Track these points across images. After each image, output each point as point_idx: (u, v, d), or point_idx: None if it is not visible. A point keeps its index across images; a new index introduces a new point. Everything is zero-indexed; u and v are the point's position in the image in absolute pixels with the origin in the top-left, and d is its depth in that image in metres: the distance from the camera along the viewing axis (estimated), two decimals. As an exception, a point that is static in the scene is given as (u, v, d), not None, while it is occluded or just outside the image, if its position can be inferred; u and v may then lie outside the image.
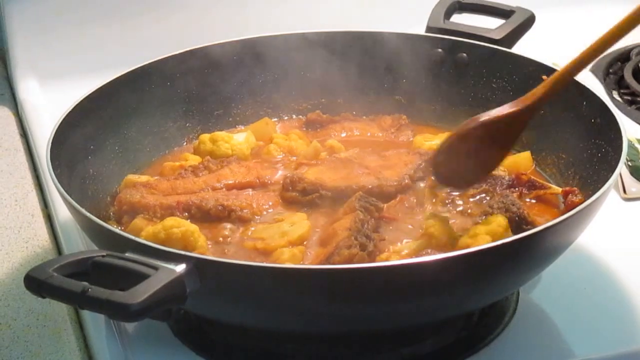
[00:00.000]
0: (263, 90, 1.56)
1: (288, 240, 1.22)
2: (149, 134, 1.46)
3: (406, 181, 1.33)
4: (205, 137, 1.45)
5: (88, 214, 1.09)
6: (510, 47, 1.50)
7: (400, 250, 1.20)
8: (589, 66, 1.86)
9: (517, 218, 1.22)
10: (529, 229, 1.10)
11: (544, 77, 1.22)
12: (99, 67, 1.56)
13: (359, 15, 1.94)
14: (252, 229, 1.26)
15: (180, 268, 0.97)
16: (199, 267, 0.98)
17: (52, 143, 1.23)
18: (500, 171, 1.36)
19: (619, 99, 1.75)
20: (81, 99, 1.34)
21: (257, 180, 1.36)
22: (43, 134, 1.52)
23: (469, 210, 1.29)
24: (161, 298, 0.94)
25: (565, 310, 1.24)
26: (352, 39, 1.55)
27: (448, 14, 1.56)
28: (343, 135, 1.52)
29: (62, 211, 1.39)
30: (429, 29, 1.54)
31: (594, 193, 1.11)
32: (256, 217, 1.28)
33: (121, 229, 1.25)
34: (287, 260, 1.19)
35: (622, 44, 1.95)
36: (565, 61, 1.22)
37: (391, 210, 1.29)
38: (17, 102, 1.81)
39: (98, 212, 1.27)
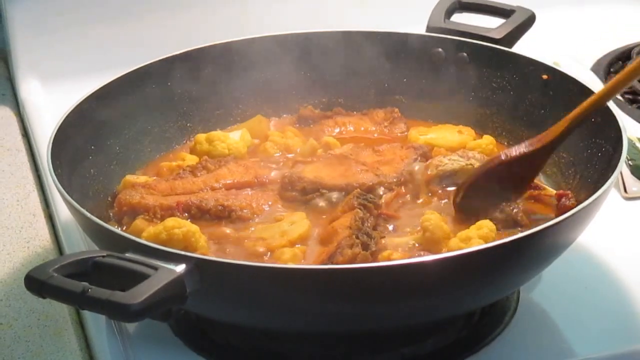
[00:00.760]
0: (264, 90, 1.55)
1: (288, 240, 1.22)
2: (149, 134, 1.46)
3: (405, 177, 1.34)
4: (201, 137, 1.44)
5: (88, 214, 1.09)
6: (510, 47, 1.49)
7: (397, 245, 1.20)
8: (589, 66, 1.87)
9: (511, 219, 1.23)
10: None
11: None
12: (100, 68, 1.56)
13: (359, 15, 1.94)
14: (252, 229, 1.26)
15: (181, 268, 0.98)
16: (199, 267, 0.98)
17: (53, 143, 1.23)
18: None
19: (619, 97, 1.75)
20: (82, 99, 1.34)
21: (256, 180, 1.36)
22: (44, 134, 1.51)
23: None
24: (161, 298, 0.94)
25: (565, 310, 1.24)
26: (353, 39, 1.54)
27: (448, 14, 1.56)
28: (337, 130, 1.52)
29: (63, 211, 1.40)
30: (429, 28, 1.54)
31: (594, 192, 1.11)
32: (256, 216, 1.29)
33: (122, 230, 1.25)
34: (288, 260, 1.19)
35: (623, 43, 1.95)
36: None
37: (389, 206, 1.29)
38: (18, 102, 1.81)
39: (99, 213, 1.27)
